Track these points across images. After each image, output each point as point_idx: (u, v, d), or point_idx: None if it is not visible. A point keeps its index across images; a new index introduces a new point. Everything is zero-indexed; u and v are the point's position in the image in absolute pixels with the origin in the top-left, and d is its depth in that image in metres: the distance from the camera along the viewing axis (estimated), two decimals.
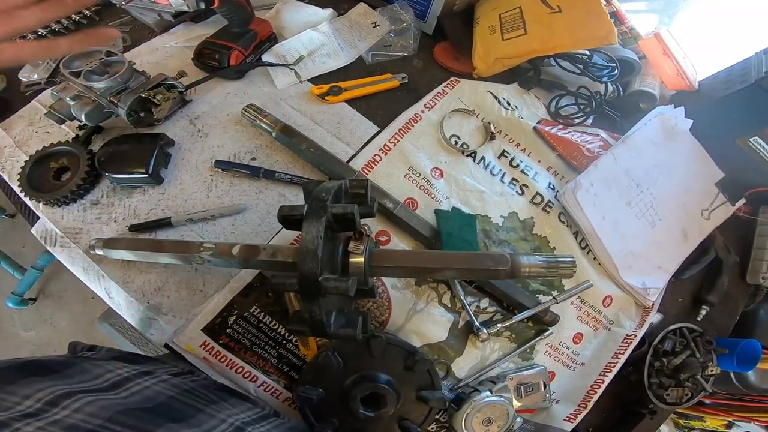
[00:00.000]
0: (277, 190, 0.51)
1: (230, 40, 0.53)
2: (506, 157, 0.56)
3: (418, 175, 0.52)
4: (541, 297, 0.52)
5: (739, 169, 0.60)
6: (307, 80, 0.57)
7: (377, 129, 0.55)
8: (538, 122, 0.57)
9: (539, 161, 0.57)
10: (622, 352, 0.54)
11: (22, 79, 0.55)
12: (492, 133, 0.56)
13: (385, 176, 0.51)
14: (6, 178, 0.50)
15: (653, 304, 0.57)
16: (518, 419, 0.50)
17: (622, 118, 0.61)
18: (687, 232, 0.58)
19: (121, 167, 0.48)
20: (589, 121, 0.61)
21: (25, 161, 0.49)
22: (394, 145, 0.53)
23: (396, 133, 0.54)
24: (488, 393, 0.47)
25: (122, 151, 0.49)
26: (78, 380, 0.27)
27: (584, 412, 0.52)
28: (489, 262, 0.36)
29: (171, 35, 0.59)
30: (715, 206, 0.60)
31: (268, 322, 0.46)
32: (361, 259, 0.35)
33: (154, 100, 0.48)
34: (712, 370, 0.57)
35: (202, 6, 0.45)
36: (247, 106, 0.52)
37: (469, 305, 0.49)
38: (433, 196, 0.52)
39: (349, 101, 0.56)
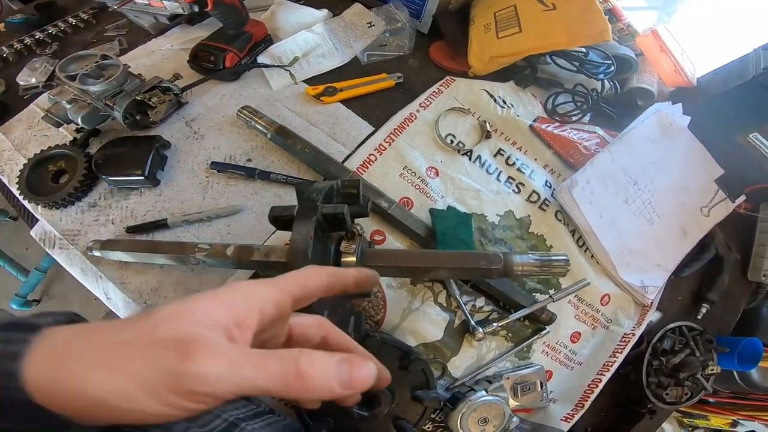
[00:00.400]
0: (272, 190, 0.51)
1: (225, 42, 0.54)
2: (502, 155, 0.56)
3: (413, 174, 0.53)
4: (537, 296, 0.52)
5: (739, 165, 0.60)
6: (303, 81, 0.57)
7: (372, 129, 0.55)
8: (534, 120, 0.57)
9: (535, 159, 0.57)
10: (620, 351, 0.54)
11: (21, 83, 0.56)
12: (488, 131, 0.56)
13: (381, 176, 0.52)
14: (5, 181, 0.51)
15: (652, 303, 0.56)
16: (514, 419, 0.50)
17: (620, 115, 0.60)
18: (686, 230, 0.58)
19: (118, 170, 0.49)
20: (587, 118, 0.61)
21: (24, 164, 0.50)
22: (390, 145, 0.53)
23: (391, 133, 0.54)
24: (484, 392, 0.47)
25: (119, 153, 0.50)
26: None
27: (581, 412, 0.52)
28: (482, 261, 0.36)
29: (167, 38, 0.59)
30: (714, 203, 0.60)
31: None
32: (353, 259, 0.36)
33: (150, 102, 0.49)
34: (712, 369, 0.56)
35: (196, 9, 0.46)
36: (242, 107, 0.52)
37: (465, 304, 0.50)
38: (428, 195, 0.52)
39: (344, 101, 0.56)
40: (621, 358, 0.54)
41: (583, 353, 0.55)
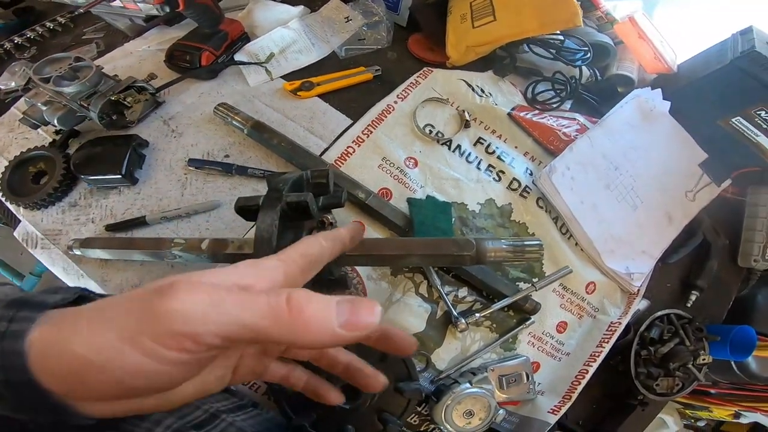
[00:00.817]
0: (250, 185, 0.52)
1: (200, 41, 0.55)
2: (482, 144, 0.57)
3: (392, 165, 0.53)
4: (521, 285, 0.52)
5: (723, 149, 0.60)
6: (280, 77, 0.58)
7: (350, 122, 0.56)
8: (513, 108, 0.58)
9: (516, 147, 0.57)
10: (606, 340, 0.54)
11: (1, 86, 0.57)
12: (467, 120, 0.56)
13: (359, 167, 0.52)
14: None
15: (639, 290, 0.56)
16: (501, 411, 0.49)
17: (601, 102, 0.61)
18: (671, 215, 0.58)
19: (96, 169, 0.50)
20: (567, 106, 0.61)
21: (5, 167, 0.51)
22: (368, 137, 0.54)
23: (369, 125, 0.55)
24: (468, 385, 0.47)
25: (96, 153, 0.51)
26: None
27: (569, 404, 0.51)
28: (453, 248, 0.36)
29: (144, 39, 0.61)
30: (699, 188, 0.60)
31: None
32: None
33: (125, 102, 0.50)
34: (703, 359, 0.56)
35: (167, 10, 0.47)
36: (218, 104, 0.53)
37: (447, 295, 0.50)
38: (407, 185, 0.52)
39: (322, 96, 0.57)
40: (608, 347, 0.53)
41: (570, 343, 0.55)
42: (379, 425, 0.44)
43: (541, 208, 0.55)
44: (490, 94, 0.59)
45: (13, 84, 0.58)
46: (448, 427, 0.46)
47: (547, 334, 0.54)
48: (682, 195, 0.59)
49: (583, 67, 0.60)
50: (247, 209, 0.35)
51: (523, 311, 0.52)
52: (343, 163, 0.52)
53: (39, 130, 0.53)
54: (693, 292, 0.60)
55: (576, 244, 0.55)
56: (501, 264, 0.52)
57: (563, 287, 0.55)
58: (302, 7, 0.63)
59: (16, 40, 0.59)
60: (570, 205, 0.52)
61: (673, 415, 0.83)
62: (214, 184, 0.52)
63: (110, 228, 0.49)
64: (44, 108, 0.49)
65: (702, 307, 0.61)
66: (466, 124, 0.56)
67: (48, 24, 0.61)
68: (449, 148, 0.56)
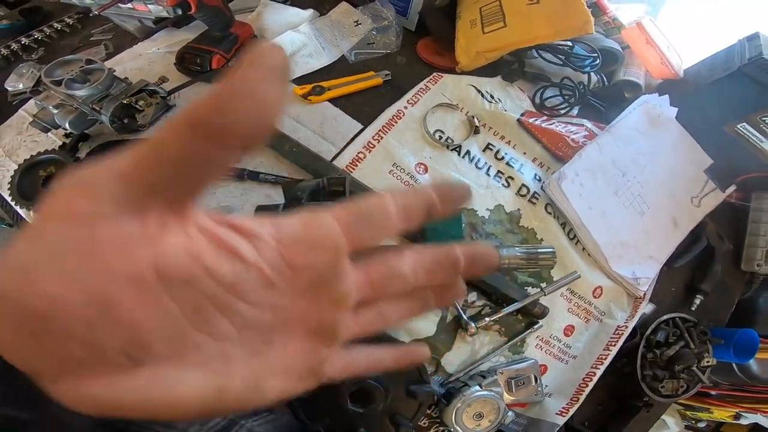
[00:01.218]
0: (262, 191, 0.53)
1: (211, 44, 0.56)
2: (491, 150, 0.58)
3: (402, 171, 0.54)
4: (529, 289, 0.54)
5: (728, 155, 0.62)
6: (290, 81, 0.59)
7: (361, 127, 0.57)
8: (522, 114, 0.59)
9: (524, 153, 0.59)
10: (613, 343, 0.55)
11: (9, 88, 0.57)
12: (476, 126, 0.57)
13: (370, 173, 0.53)
14: None
15: (645, 294, 0.58)
16: (510, 413, 0.51)
17: (608, 108, 0.62)
18: (677, 220, 0.60)
19: None
20: (575, 111, 0.63)
21: (14, 170, 0.51)
22: (378, 142, 0.55)
23: (380, 130, 0.56)
24: (478, 387, 0.49)
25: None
26: None
27: (576, 406, 0.53)
28: None
29: (153, 41, 0.61)
30: (704, 193, 0.61)
31: None
32: None
33: (137, 106, 0.50)
34: (708, 362, 0.58)
35: (180, 12, 0.47)
36: None
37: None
38: None
39: (332, 100, 0.58)
40: (615, 351, 0.55)
41: (577, 347, 0.57)
42: (392, 428, 0.45)
43: (550, 214, 0.56)
44: (499, 99, 0.60)
45: (20, 86, 0.58)
46: (459, 429, 0.48)
47: (555, 338, 0.56)
48: (687, 201, 0.61)
49: (592, 73, 0.62)
50: None
51: (532, 315, 0.54)
52: (354, 169, 0.53)
53: (49, 133, 0.54)
54: (697, 296, 0.61)
55: (583, 249, 0.57)
56: (523, 270, 0.53)
57: (571, 291, 0.56)
58: (312, 10, 0.63)
59: (23, 41, 0.60)
60: (579, 212, 0.54)
61: (674, 416, 0.85)
62: (226, 188, 0.52)
63: None
64: (55, 111, 0.49)
65: (706, 311, 0.63)
66: (476, 130, 0.57)
67: (55, 25, 0.61)
68: (459, 154, 0.57)
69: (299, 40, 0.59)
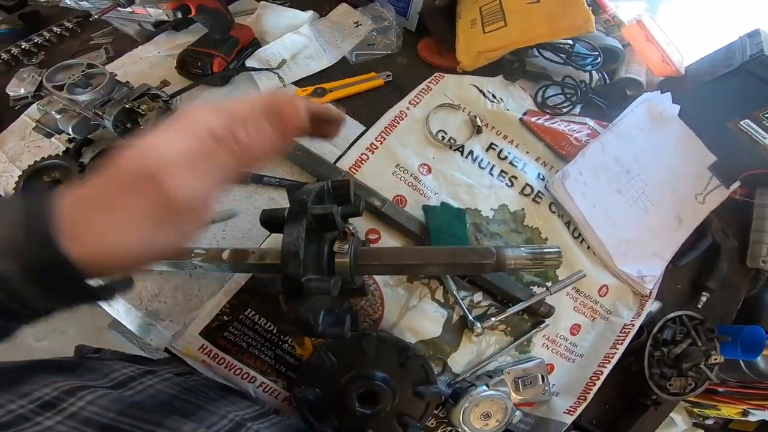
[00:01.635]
0: (266, 194, 0.53)
1: (212, 47, 0.57)
2: (494, 149, 0.59)
3: (405, 171, 0.55)
4: (535, 289, 0.55)
5: (732, 152, 0.63)
6: (292, 83, 0.60)
7: (363, 128, 0.57)
8: (525, 113, 0.60)
9: (527, 152, 0.59)
10: (620, 342, 0.56)
11: (10, 93, 0.58)
12: (478, 126, 0.58)
13: (373, 175, 0.54)
14: (2, 193, 0.53)
15: (650, 292, 0.59)
16: (517, 413, 0.52)
17: (610, 106, 0.63)
18: (681, 218, 0.61)
19: None
20: (577, 110, 0.63)
21: (18, 176, 0.52)
22: (381, 143, 0.56)
23: (382, 132, 0.56)
24: (485, 387, 0.49)
25: None
26: (88, 378, 0.30)
27: (584, 405, 0.54)
28: (474, 256, 0.38)
29: (154, 44, 0.62)
30: (709, 190, 0.62)
31: (263, 324, 0.48)
32: (346, 260, 0.38)
33: (139, 110, 0.51)
34: (715, 359, 0.58)
35: (180, 16, 0.48)
36: None
37: (463, 300, 0.52)
38: (421, 192, 0.54)
39: (334, 102, 0.59)
40: (622, 349, 0.56)
41: (583, 345, 0.57)
42: (400, 429, 0.46)
43: (554, 212, 0.57)
44: (501, 99, 0.61)
45: (22, 90, 0.59)
46: (466, 429, 0.49)
47: (561, 337, 0.56)
48: (691, 198, 0.62)
49: (594, 71, 0.63)
50: (272, 222, 0.37)
51: (538, 315, 0.54)
52: (357, 171, 0.54)
53: (52, 138, 0.55)
54: (703, 293, 0.62)
55: (588, 248, 0.58)
56: (529, 271, 0.54)
57: (576, 290, 0.57)
58: (312, 12, 0.64)
59: (24, 45, 0.60)
60: (583, 210, 0.55)
61: (681, 413, 0.86)
62: (230, 192, 0.53)
63: None
64: (58, 116, 0.50)
65: (712, 308, 0.64)
66: (478, 130, 0.58)
67: (55, 29, 0.62)
68: (462, 154, 0.58)
69: (300, 42, 0.60)
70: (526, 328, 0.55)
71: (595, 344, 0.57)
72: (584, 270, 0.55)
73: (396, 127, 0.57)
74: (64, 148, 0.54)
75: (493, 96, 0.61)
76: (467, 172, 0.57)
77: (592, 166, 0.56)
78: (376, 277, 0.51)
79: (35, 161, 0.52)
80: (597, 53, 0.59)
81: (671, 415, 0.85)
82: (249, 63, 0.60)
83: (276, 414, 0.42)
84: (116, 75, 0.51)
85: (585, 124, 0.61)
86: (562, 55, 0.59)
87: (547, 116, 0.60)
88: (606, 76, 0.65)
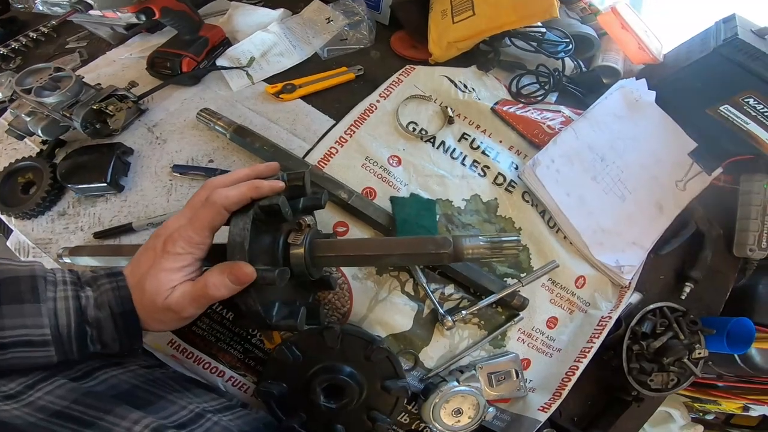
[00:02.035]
0: None
1: (181, 48, 0.58)
2: (466, 139, 0.58)
3: (375, 164, 0.55)
4: (509, 281, 0.54)
5: (713, 138, 0.62)
6: (263, 80, 0.61)
7: (333, 122, 0.58)
8: (497, 103, 0.60)
9: (500, 141, 0.59)
10: (596, 335, 0.55)
11: None
12: (450, 116, 0.58)
13: (342, 168, 0.54)
14: None
15: (630, 283, 0.58)
16: (490, 410, 0.51)
17: (586, 94, 0.63)
18: (662, 205, 0.60)
19: (81, 178, 0.52)
20: (553, 98, 0.63)
21: None
22: (350, 137, 0.56)
23: (352, 125, 0.57)
24: (455, 383, 0.49)
25: (81, 162, 0.53)
26: (55, 370, 0.31)
27: (559, 401, 0.52)
28: (430, 246, 0.37)
29: (127, 47, 0.63)
30: (690, 177, 0.61)
31: (230, 318, 0.49)
32: (301, 251, 0.38)
33: (107, 111, 0.52)
34: (699, 353, 0.56)
35: (144, 18, 0.49)
36: (201, 110, 0.55)
37: (433, 292, 0.52)
38: (391, 183, 0.54)
39: (304, 97, 0.59)
40: (598, 343, 0.55)
41: (561, 339, 0.57)
42: (369, 423, 0.46)
43: (527, 202, 0.56)
44: (473, 89, 0.61)
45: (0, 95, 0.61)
46: (437, 425, 0.48)
47: (538, 330, 0.56)
48: (672, 185, 0.61)
49: (568, 60, 0.62)
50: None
51: (511, 307, 0.54)
52: (326, 164, 0.54)
53: (26, 140, 0.56)
54: (687, 283, 0.61)
55: (565, 237, 0.57)
56: (487, 260, 0.54)
57: (552, 282, 0.56)
58: (282, 10, 0.65)
59: (1, 50, 0.62)
60: (556, 198, 0.54)
61: (679, 408, 0.84)
62: (199, 186, 0.54)
63: (98, 235, 0.52)
64: (28, 119, 0.51)
65: (698, 299, 0.62)
66: (450, 120, 0.58)
67: (31, 34, 0.64)
68: (433, 145, 0.58)
69: (269, 40, 0.61)
70: (500, 322, 0.54)
71: (573, 338, 0.56)
72: (560, 261, 0.54)
73: (366, 120, 0.57)
74: (38, 150, 0.56)
75: (465, 86, 0.61)
76: (438, 162, 0.57)
77: (565, 154, 0.56)
78: (345, 270, 0.51)
79: (10, 163, 0.54)
80: (568, 40, 0.58)
81: (670, 410, 0.83)
82: (219, 62, 0.61)
83: (243, 408, 0.42)
84: (83, 77, 0.53)
85: (559, 112, 0.60)
86: (533, 43, 0.59)
87: (520, 105, 0.60)
88: (582, 64, 0.64)
